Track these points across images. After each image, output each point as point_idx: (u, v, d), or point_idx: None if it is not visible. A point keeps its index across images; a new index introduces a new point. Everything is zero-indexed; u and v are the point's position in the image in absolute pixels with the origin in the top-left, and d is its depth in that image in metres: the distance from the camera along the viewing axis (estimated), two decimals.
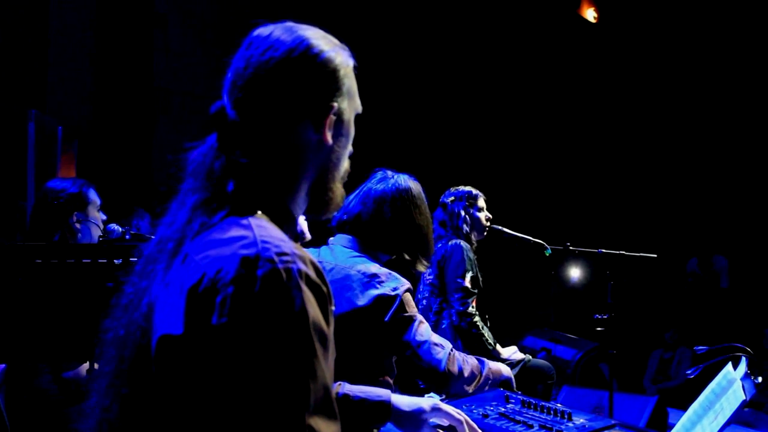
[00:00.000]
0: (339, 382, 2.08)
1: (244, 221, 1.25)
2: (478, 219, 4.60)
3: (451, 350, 2.56)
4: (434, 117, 8.01)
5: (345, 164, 1.47)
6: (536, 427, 1.99)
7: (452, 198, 4.60)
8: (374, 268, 2.56)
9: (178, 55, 6.56)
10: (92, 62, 5.98)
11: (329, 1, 6.54)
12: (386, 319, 2.49)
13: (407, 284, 2.57)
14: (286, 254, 1.17)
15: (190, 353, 1.16)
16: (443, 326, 4.35)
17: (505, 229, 4.69)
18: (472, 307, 4.33)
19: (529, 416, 2.09)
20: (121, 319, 1.33)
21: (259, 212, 1.29)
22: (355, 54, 1.48)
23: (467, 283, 4.31)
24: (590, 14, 8.97)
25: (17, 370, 2.94)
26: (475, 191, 4.64)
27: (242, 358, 1.12)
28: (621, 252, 4.60)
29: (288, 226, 1.33)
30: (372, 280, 2.52)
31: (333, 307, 1.24)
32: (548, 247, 4.60)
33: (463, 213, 4.56)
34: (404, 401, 1.98)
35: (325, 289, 1.21)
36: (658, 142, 8.92)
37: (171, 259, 1.28)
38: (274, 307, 1.13)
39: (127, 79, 6.14)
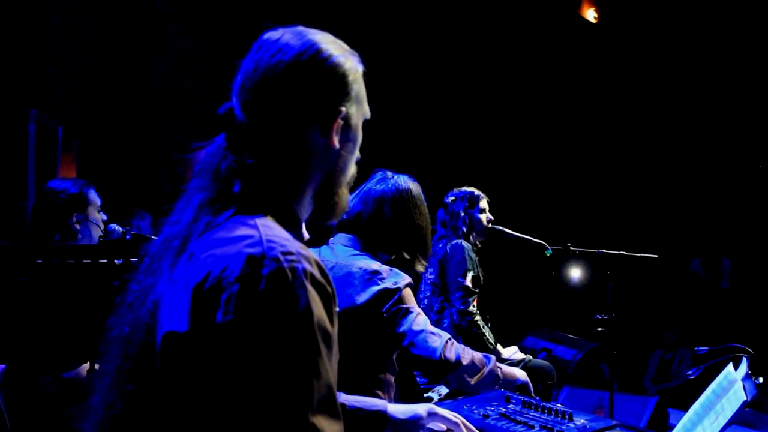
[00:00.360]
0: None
1: (251, 221, 1.26)
2: (479, 220, 4.60)
3: (449, 339, 2.57)
4: (435, 117, 8.00)
5: (352, 169, 1.48)
6: (537, 428, 1.99)
7: (453, 198, 4.60)
8: (375, 265, 2.58)
9: (178, 56, 6.56)
10: (93, 62, 5.98)
11: (329, 3, 6.54)
12: (383, 310, 2.51)
13: (408, 279, 2.59)
14: (291, 253, 1.18)
15: (194, 351, 1.17)
16: (444, 325, 4.35)
17: (506, 230, 4.68)
18: (473, 306, 4.33)
19: (530, 417, 2.09)
20: (126, 316, 1.34)
21: (265, 213, 1.29)
22: (356, 52, 1.48)
23: (468, 282, 4.31)
24: (590, 14, 8.96)
25: (17, 371, 2.94)
26: (477, 192, 4.63)
27: (246, 356, 1.12)
28: (621, 252, 4.60)
29: (294, 229, 1.33)
30: (374, 276, 2.54)
31: (337, 309, 1.24)
32: (549, 247, 4.60)
33: (462, 213, 4.56)
34: (400, 409, 1.98)
35: (329, 289, 1.21)
36: (658, 143, 8.92)
37: (176, 257, 1.29)
38: (279, 306, 1.14)
39: (127, 79, 6.14)
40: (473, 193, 4.62)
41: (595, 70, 8.90)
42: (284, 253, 1.17)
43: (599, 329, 4.45)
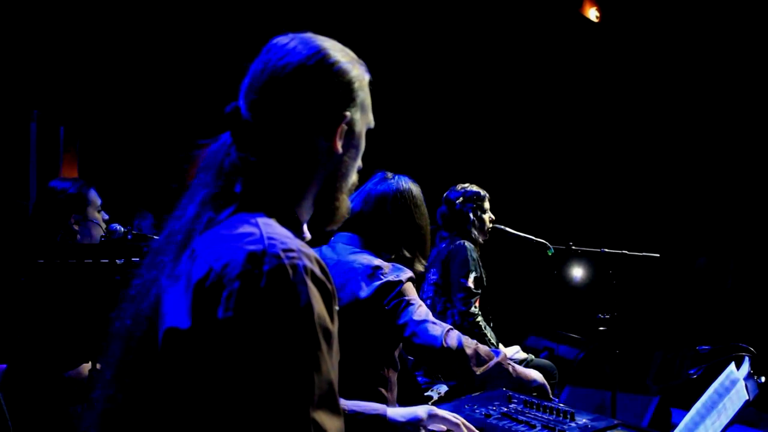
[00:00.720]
0: None
1: (252, 219, 1.27)
2: (483, 220, 4.60)
3: (450, 328, 2.55)
4: (436, 116, 8.00)
5: (353, 177, 1.49)
6: (539, 427, 1.98)
7: (461, 198, 4.58)
8: (377, 261, 2.61)
9: (181, 55, 6.56)
10: (94, 61, 5.97)
11: (328, 6, 6.54)
12: (384, 303, 2.51)
13: (410, 273, 2.61)
14: (292, 251, 1.19)
15: (196, 347, 1.18)
16: None
17: (508, 229, 4.68)
18: (475, 307, 4.33)
19: (532, 416, 2.08)
20: (128, 310, 1.35)
21: (266, 212, 1.30)
22: (357, 55, 1.49)
23: (470, 283, 4.31)
24: (593, 13, 8.95)
25: (19, 370, 2.94)
26: (483, 192, 4.63)
27: (247, 351, 1.13)
28: (623, 251, 4.59)
29: (294, 229, 1.33)
30: (376, 271, 2.56)
31: (337, 307, 1.25)
32: (551, 246, 4.59)
33: (471, 215, 4.55)
34: (399, 413, 1.98)
35: (330, 286, 1.22)
36: (659, 142, 8.90)
37: (179, 252, 1.31)
38: (280, 302, 1.15)
39: (129, 78, 6.14)
40: (480, 193, 4.62)
41: (597, 70, 8.89)
42: (285, 250, 1.19)
43: (601, 328, 4.44)
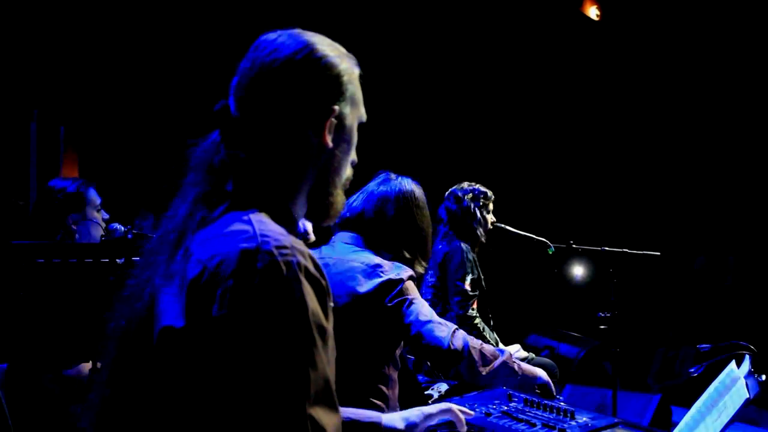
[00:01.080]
0: None
1: (245, 216, 1.27)
2: (487, 221, 4.59)
3: (456, 328, 2.57)
4: (437, 115, 8.00)
5: (347, 171, 1.48)
6: (539, 426, 1.98)
7: (470, 195, 4.57)
8: (377, 259, 2.61)
9: (181, 54, 6.55)
10: (95, 61, 5.97)
11: (329, 4, 6.53)
12: (386, 301, 2.51)
13: (410, 271, 2.61)
14: (285, 247, 1.19)
15: (191, 345, 1.18)
16: None
17: (509, 228, 4.68)
18: (473, 309, 4.32)
19: (532, 415, 2.08)
20: (123, 310, 1.36)
21: (259, 209, 1.30)
22: (356, 54, 1.49)
23: (467, 286, 4.30)
24: (593, 12, 8.95)
25: (19, 369, 2.94)
26: (490, 193, 4.62)
27: (243, 349, 1.13)
28: (624, 250, 4.59)
29: (288, 226, 1.33)
30: (376, 269, 2.57)
31: (332, 303, 1.25)
32: (551, 245, 4.59)
33: (478, 214, 4.54)
34: (395, 419, 1.97)
35: (323, 283, 1.22)
36: (660, 140, 8.90)
37: (173, 251, 1.31)
38: (274, 299, 1.15)
39: (129, 77, 6.13)
40: (487, 193, 4.61)
41: (598, 69, 8.89)
42: (278, 247, 1.19)
43: (602, 327, 4.44)
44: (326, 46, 1.41)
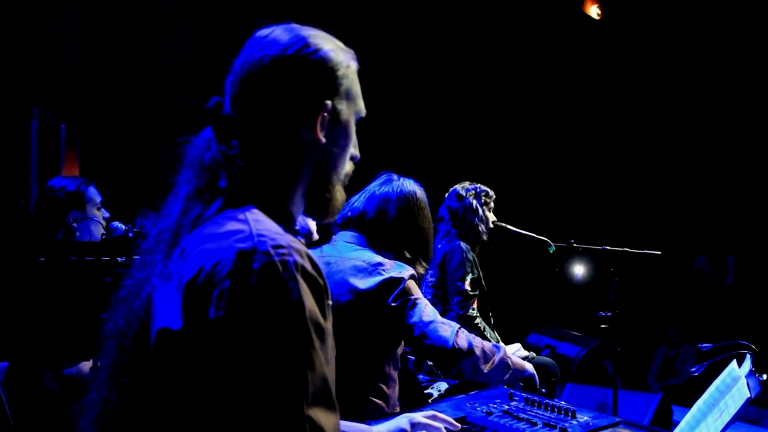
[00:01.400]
0: None
1: (240, 215, 1.26)
2: (488, 219, 4.58)
3: (459, 328, 2.60)
4: (438, 114, 8.00)
5: (345, 167, 1.46)
6: (540, 425, 1.98)
7: (472, 193, 4.55)
8: (378, 258, 2.62)
9: (181, 53, 6.56)
10: (95, 60, 5.98)
11: (333, 2, 6.53)
12: (389, 300, 2.52)
13: (412, 270, 2.62)
14: (282, 247, 1.18)
15: (188, 347, 1.17)
16: None
17: (509, 226, 4.67)
18: (473, 309, 4.30)
19: (533, 414, 2.08)
20: (121, 310, 1.34)
21: (255, 206, 1.29)
22: (358, 55, 1.47)
23: (467, 286, 4.28)
24: (594, 11, 8.94)
25: (20, 368, 2.94)
26: (491, 192, 4.61)
27: (240, 350, 1.12)
28: (625, 249, 4.58)
29: (285, 223, 1.32)
30: (377, 267, 2.58)
31: (330, 302, 1.24)
32: (552, 244, 4.58)
33: (480, 211, 4.53)
34: (383, 429, 1.97)
35: (321, 281, 1.21)
36: (661, 139, 8.90)
37: (169, 250, 1.30)
38: (271, 300, 1.14)
39: (130, 76, 6.14)
40: (489, 192, 4.59)
41: (599, 67, 8.89)
42: (275, 247, 1.18)
43: (603, 326, 4.44)
44: (320, 40, 1.39)
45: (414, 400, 2.89)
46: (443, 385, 3.79)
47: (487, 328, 4.33)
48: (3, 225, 4.45)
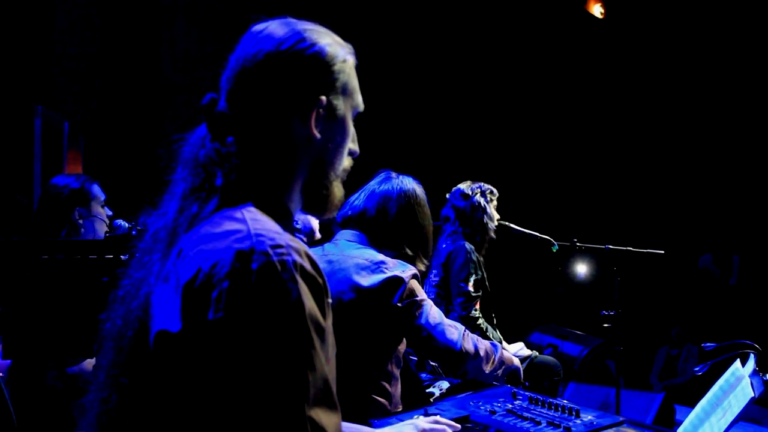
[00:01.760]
0: None
1: (238, 214, 1.25)
2: (494, 218, 4.57)
3: (465, 330, 2.65)
4: (440, 113, 8.00)
5: (343, 162, 1.45)
6: (544, 424, 1.98)
7: (479, 191, 4.54)
8: (380, 256, 2.63)
9: (184, 51, 6.56)
10: (98, 58, 5.98)
11: (331, 1, 6.53)
12: (395, 301, 2.55)
13: (414, 269, 2.64)
14: (280, 246, 1.17)
15: (188, 349, 1.16)
16: None
17: (512, 225, 4.66)
18: (475, 310, 4.30)
19: (537, 413, 2.08)
20: (119, 310, 1.33)
21: (252, 204, 1.28)
22: (358, 52, 1.47)
23: (470, 287, 4.27)
24: (597, 10, 8.93)
25: (23, 366, 2.94)
26: (495, 190, 4.61)
27: (239, 352, 1.12)
28: (628, 248, 4.58)
29: (283, 221, 1.31)
30: (379, 265, 2.59)
31: (330, 300, 1.23)
32: (555, 243, 4.57)
33: (489, 209, 4.51)
34: None
35: (320, 280, 1.20)
36: (665, 138, 8.89)
37: (166, 250, 1.29)
38: (270, 300, 1.13)
39: (133, 74, 6.14)
40: (493, 190, 4.58)
41: (602, 66, 8.88)
42: (273, 247, 1.17)
43: (605, 325, 4.44)
44: (317, 35, 1.38)
45: (416, 399, 2.90)
46: (445, 384, 3.79)
47: (489, 328, 4.33)
48: (6, 223, 4.46)
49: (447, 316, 4.34)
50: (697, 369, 2.85)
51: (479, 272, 4.36)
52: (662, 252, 4.60)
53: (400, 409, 2.57)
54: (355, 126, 1.48)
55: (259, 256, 1.15)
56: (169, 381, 1.19)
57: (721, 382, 2.06)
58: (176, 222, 1.30)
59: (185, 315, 1.17)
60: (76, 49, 5.93)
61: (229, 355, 1.12)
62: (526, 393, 2.29)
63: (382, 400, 2.56)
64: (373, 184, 2.81)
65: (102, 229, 3.37)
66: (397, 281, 2.55)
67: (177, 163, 1.38)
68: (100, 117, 6.03)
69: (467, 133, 8.18)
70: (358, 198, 2.79)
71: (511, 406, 2.17)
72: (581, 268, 7.84)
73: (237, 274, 1.14)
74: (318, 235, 3.56)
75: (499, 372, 2.69)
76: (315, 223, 3.60)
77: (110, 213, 3.47)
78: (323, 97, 1.36)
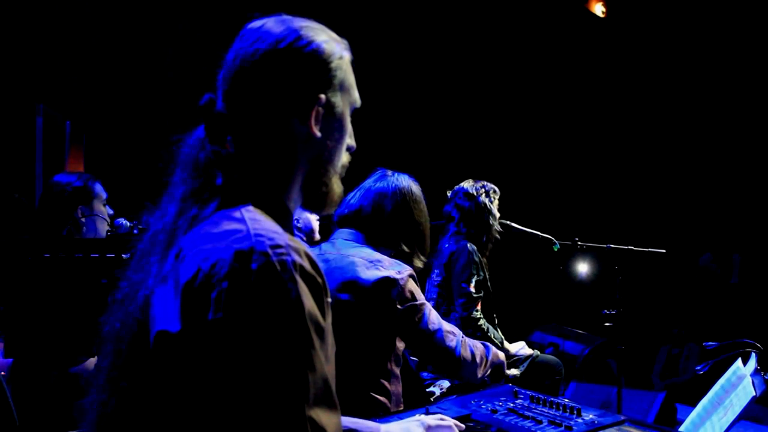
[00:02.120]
0: None
1: (237, 214, 1.25)
2: (496, 217, 4.57)
3: (462, 337, 2.68)
4: (441, 111, 7.99)
5: (342, 159, 1.46)
6: (545, 423, 1.98)
7: (483, 191, 4.53)
8: (377, 255, 2.65)
9: (187, 49, 6.55)
10: (100, 56, 5.98)
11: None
12: (392, 302, 2.55)
13: (411, 270, 2.65)
14: (280, 246, 1.17)
15: (187, 349, 1.16)
16: None
17: (514, 224, 4.66)
18: (477, 310, 4.29)
19: (538, 412, 2.08)
20: (117, 313, 1.33)
21: (251, 204, 1.28)
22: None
23: (472, 288, 4.26)
24: (598, 9, 8.93)
25: (25, 365, 2.95)
26: (496, 188, 4.60)
27: (239, 352, 1.11)
28: (629, 247, 4.58)
29: (283, 220, 1.32)
30: (376, 264, 2.60)
31: (329, 300, 1.23)
32: (557, 242, 4.57)
33: (494, 209, 4.51)
34: (394, 430, 1.97)
35: (320, 280, 1.20)
36: (666, 137, 8.89)
37: (164, 251, 1.29)
38: (269, 300, 1.13)
39: (135, 73, 6.14)
40: (495, 189, 4.58)
41: (603, 66, 8.88)
42: (273, 247, 1.17)
43: (607, 324, 4.44)
44: (313, 32, 1.38)
45: (417, 398, 2.90)
46: (445, 383, 3.79)
47: (490, 328, 4.32)
48: (6, 221, 4.46)
49: (448, 315, 4.35)
50: (698, 368, 2.86)
51: (481, 273, 4.35)
52: (663, 251, 4.59)
53: (401, 408, 2.58)
54: (354, 123, 1.48)
55: (259, 256, 1.15)
56: (168, 381, 1.19)
57: (722, 381, 2.07)
58: (175, 224, 1.30)
59: (185, 315, 1.17)
60: (77, 47, 5.93)
61: (229, 355, 1.12)
62: (528, 392, 2.29)
63: (382, 398, 2.56)
64: (368, 183, 2.83)
65: (104, 227, 3.38)
66: (390, 282, 2.56)
67: (175, 165, 1.38)
68: (102, 115, 6.02)
69: (469, 132, 8.18)
70: (354, 197, 2.80)
71: (512, 405, 2.17)
72: (582, 267, 7.84)
73: (236, 274, 1.14)
74: (317, 236, 3.57)
75: (488, 372, 2.74)
76: (315, 223, 3.60)
77: (111, 212, 3.47)
78: (322, 96, 1.36)
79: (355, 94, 1.46)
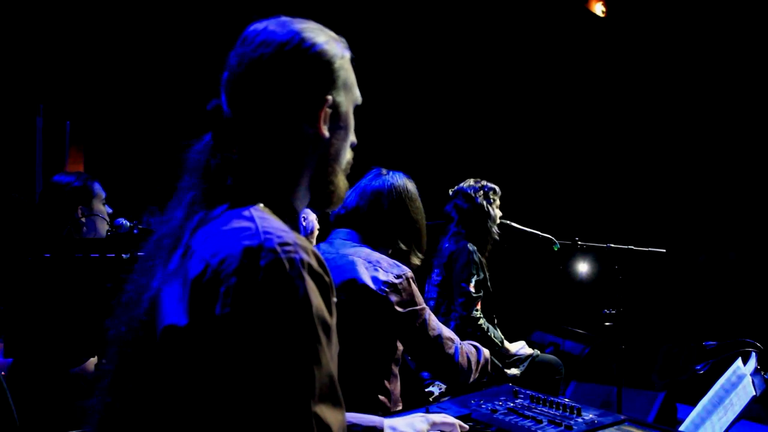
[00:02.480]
0: None
1: (246, 213, 1.26)
2: (496, 217, 4.57)
3: (460, 343, 2.68)
4: (441, 111, 7.99)
5: (346, 156, 1.47)
6: (545, 422, 1.98)
7: (482, 192, 4.54)
8: (376, 255, 2.66)
9: (187, 49, 6.55)
10: (101, 56, 5.98)
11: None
12: (393, 301, 2.56)
13: (409, 272, 2.66)
14: (288, 244, 1.18)
15: (194, 344, 1.17)
16: (450, 327, 4.32)
17: (514, 224, 4.66)
18: (476, 310, 4.30)
19: (538, 411, 2.08)
20: (122, 316, 1.34)
21: (261, 204, 1.30)
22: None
23: (471, 288, 4.27)
24: (599, 8, 8.92)
25: (25, 365, 2.95)
26: (497, 188, 4.60)
27: (246, 347, 1.12)
28: (630, 247, 4.58)
29: (290, 220, 1.32)
30: (375, 264, 2.61)
31: (335, 299, 1.24)
32: (557, 241, 4.58)
33: (492, 212, 4.51)
34: (398, 424, 1.97)
35: (327, 279, 1.21)
36: (665, 138, 8.89)
37: (169, 254, 1.30)
38: (277, 297, 1.13)
39: (135, 73, 6.14)
40: (495, 189, 4.58)
41: (603, 66, 8.87)
42: (281, 244, 1.17)
43: (607, 324, 4.44)
44: (314, 33, 1.39)
45: (416, 398, 2.91)
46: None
47: (490, 328, 4.33)
48: (6, 221, 4.46)
49: (448, 315, 4.36)
50: (698, 367, 2.86)
51: (481, 273, 4.36)
52: (663, 251, 4.59)
53: (399, 408, 2.59)
54: (354, 121, 1.49)
55: (267, 253, 1.16)
56: (175, 376, 1.19)
57: (722, 380, 2.07)
58: (182, 227, 1.31)
59: (192, 310, 1.18)
60: (78, 47, 5.93)
61: (236, 350, 1.12)
62: (528, 391, 2.30)
63: (381, 397, 2.57)
64: (364, 182, 2.84)
65: (104, 227, 3.38)
66: (391, 283, 2.56)
67: (183, 171, 1.39)
68: (102, 115, 6.02)
69: (469, 132, 8.17)
70: (350, 196, 2.82)
71: (512, 404, 2.17)
72: (583, 267, 7.83)
73: (245, 271, 1.15)
74: (313, 241, 3.58)
75: (478, 375, 2.75)
76: (316, 224, 3.62)
77: (110, 211, 3.47)
78: (329, 97, 1.37)
79: (357, 92, 1.48)
